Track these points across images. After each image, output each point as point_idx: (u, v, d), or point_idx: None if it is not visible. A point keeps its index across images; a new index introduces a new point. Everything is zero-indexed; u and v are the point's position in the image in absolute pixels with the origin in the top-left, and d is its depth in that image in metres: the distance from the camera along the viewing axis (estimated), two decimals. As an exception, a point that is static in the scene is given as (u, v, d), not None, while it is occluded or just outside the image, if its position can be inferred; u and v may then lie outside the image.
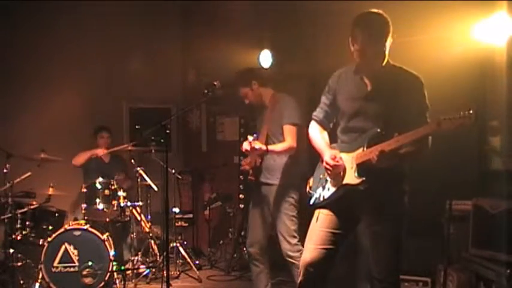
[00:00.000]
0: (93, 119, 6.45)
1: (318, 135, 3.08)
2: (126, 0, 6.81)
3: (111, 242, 5.01)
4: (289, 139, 3.94)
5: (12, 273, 4.88)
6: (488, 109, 4.49)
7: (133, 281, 5.31)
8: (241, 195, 5.17)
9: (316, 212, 2.97)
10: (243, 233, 5.93)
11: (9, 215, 4.99)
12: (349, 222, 2.91)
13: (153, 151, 5.88)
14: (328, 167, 2.84)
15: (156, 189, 5.81)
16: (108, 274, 4.79)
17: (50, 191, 5.34)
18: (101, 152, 5.77)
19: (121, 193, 5.31)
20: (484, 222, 3.87)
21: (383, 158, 2.60)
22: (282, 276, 4.71)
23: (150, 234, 5.81)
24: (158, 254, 5.85)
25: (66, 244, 4.81)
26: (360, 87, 2.85)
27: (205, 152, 7.51)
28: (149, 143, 5.94)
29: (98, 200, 5.17)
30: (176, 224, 6.21)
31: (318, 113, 3.12)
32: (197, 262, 6.08)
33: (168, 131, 3.81)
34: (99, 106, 6.77)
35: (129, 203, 5.45)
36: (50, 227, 5.21)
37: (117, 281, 4.97)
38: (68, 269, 4.78)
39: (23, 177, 5.12)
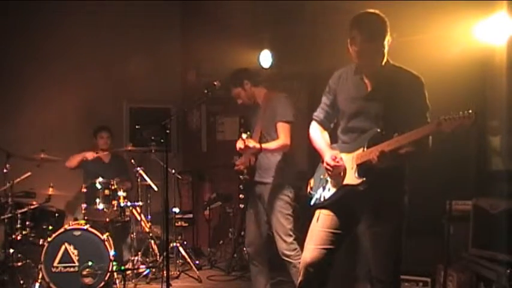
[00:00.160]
0: (93, 119, 6.46)
1: (318, 135, 3.08)
2: (126, 0, 6.82)
3: (111, 242, 5.01)
4: (283, 136, 3.94)
5: (12, 273, 4.88)
6: (488, 109, 4.49)
7: (133, 281, 5.30)
8: (241, 195, 5.17)
9: (317, 212, 2.97)
10: (243, 233, 5.92)
11: (9, 215, 5.00)
12: (350, 222, 2.91)
13: (153, 151, 5.88)
14: (328, 167, 2.84)
15: (156, 189, 5.81)
16: (108, 274, 4.79)
17: (50, 191, 5.34)
18: (90, 155, 5.71)
19: (121, 193, 5.31)
20: (484, 222, 3.87)
21: (383, 158, 2.60)
22: (281, 276, 4.71)
23: (150, 234, 5.81)
24: (158, 254, 5.85)
25: (66, 244, 4.81)
26: (360, 87, 2.85)
27: (205, 152, 7.52)
28: (149, 143, 5.94)
29: (98, 200, 5.17)
30: (176, 224, 6.21)
31: (319, 113, 3.12)
32: (197, 262, 6.08)
33: (168, 131, 3.81)
34: (99, 106, 6.77)
35: (129, 203, 5.45)
36: (50, 227, 5.21)
37: (117, 281, 4.96)
38: (68, 269, 4.78)
39: (23, 177, 5.13)
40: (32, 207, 5.17)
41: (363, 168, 2.72)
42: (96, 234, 4.85)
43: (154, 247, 5.90)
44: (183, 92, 7.59)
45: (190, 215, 6.73)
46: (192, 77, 7.51)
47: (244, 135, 3.80)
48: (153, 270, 5.56)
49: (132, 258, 5.53)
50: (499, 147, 4.57)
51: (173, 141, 7.42)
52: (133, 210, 5.64)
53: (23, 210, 5.09)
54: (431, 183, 4.16)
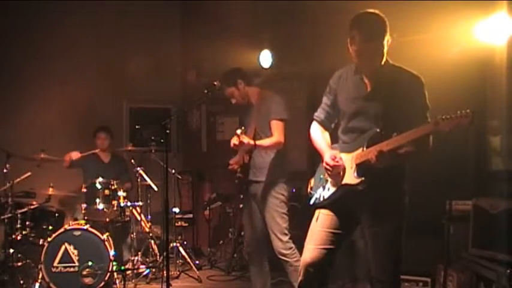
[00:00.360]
0: (93, 119, 6.46)
1: (319, 135, 3.08)
2: (126, 0, 6.82)
3: (111, 242, 5.01)
4: (277, 134, 3.95)
5: (12, 273, 4.89)
6: (488, 109, 4.49)
7: (133, 281, 5.30)
8: (241, 195, 5.18)
9: (317, 212, 2.97)
10: (243, 233, 5.92)
11: (9, 215, 5.00)
12: (350, 222, 2.91)
13: (153, 151, 5.88)
14: (328, 167, 2.84)
15: (156, 189, 5.81)
16: (108, 274, 4.79)
17: (50, 191, 5.34)
18: (74, 155, 5.64)
19: (121, 193, 5.31)
20: (484, 222, 3.87)
21: (382, 158, 2.60)
22: (282, 276, 4.70)
23: (150, 234, 5.81)
24: (158, 254, 5.85)
25: (66, 244, 4.81)
26: (360, 87, 2.85)
27: (205, 152, 7.52)
28: (149, 143, 5.94)
29: (98, 200, 5.16)
30: (176, 224, 6.21)
31: (319, 113, 3.12)
32: (197, 262, 6.08)
33: (168, 131, 3.81)
34: (99, 106, 6.78)
35: (129, 203, 5.45)
36: (50, 227, 5.22)
37: (117, 281, 4.96)
38: (68, 269, 4.78)
39: (23, 177, 5.13)
40: (32, 207, 5.17)
41: (362, 168, 2.72)
42: (96, 234, 4.85)
43: (154, 247, 5.90)
44: (183, 92, 7.59)
45: (190, 215, 6.73)
46: (192, 77, 7.52)
47: (238, 131, 3.80)
48: (153, 270, 5.56)
49: (132, 258, 5.53)
50: (499, 147, 4.57)
51: (173, 141, 7.43)
52: (133, 210, 5.64)
53: (23, 210, 5.10)
54: (431, 183, 4.16)
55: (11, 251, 4.92)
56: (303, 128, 3.65)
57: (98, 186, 5.20)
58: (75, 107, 6.65)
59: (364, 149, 2.72)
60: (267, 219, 4.03)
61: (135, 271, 5.38)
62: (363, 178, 2.70)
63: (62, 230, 4.89)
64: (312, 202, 3.03)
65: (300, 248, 3.02)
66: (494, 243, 3.72)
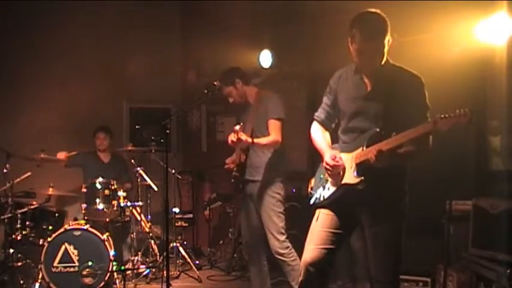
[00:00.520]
0: (93, 119, 6.45)
1: (319, 135, 3.08)
2: (127, 0, 6.82)
3: (111, 242, 5.01)
4: (274, 133, 3.96)
5: (12, 273, 4.89)
6: (488, 109, 4.49)
7: (133, 281, 5.31)
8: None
9: (317, 211, 2.97)
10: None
11: (9, 215, 5.00)
12: (350, 222, 2.91)
13: (153, 151, 5.88)
14: (328, 167, 2.84)
15: (156, 189, 5.81)
16: (108, 274, 4.79)
17: (50, 191, 5.34)
18: (60, 155, 5.62)
19: (121, 193, 5.31)
20: (484, 222, 3.87)
21: (381, 158, 2.60)
22: (282, 276, 4.70)
23: (150, 234, 5.81)
24: (158, 254, 5.85)
25: (66, 244, 4.81)
26: (360, 87, 2.85)
27: (205, 152, 7.52)
28: (149, 143, 5.94)
29: (98, 200, 5.16)
30: (176, 224, 6.21)
31: (320, 113, 3.12)
32: (197, 262, 6.08)
33: (168, 131, 3.81)
34: (99, 106, 6.77)
35: (129, 203, 5.45)
36: (50, 227, 5.22)
37: (117, 281, 4.96)
38: (68, 269, 4.78)
39: (23, 177, 5.13)
40: (32, 207, 5.17)
41: (361, 168, 2.72)
42: (96, 234, 4.85)
43: (154, 247, 5.90)
44: (183, 92, 7.59)
45: (190, 215, 6.73)
46: (192, 77, 7.52)
47: (237, 127, 3.79)
48: (153, 270, 5.56)
49: (132, 258, 5.53)
50: (499, 147, 4.57)
51: (173, 141, 7.42)
52: (133, 210, 5.64)
53: (23, 210, 5.10)
54: (431, 183, 4.16)
55: (11, 251, 4.92)
56: (303, 128, 3.65)
57: (98, 186, 5.20)
58: (75, 107, 6.65)
59: (364, 148, 2.72)
60: (264, 219, 4.03)
61: (135, 271, 5.38)
62: (363, 178, 2.71)
63: (62, 230, 4.90)
64: (312, 202, 3.03)
65: (301, 248, 3.01)
66: (494, 243, 3.72)
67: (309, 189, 3.09)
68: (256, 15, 6.41)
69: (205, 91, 3.98)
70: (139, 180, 5.75)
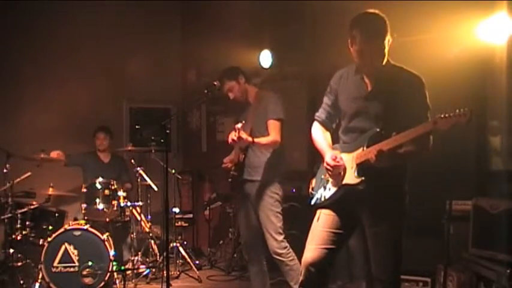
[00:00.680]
0: (93, 119, 6.45)
1: (320, 136, 3.08)
2: (127, 0, 6.82)
3: (111, 242, 5.01)
4: (274, 134, 3.96)
5: (12, 273, 4.89)
6: (488, 109, 4.49)
7: (133, 281, 5.31)
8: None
9: (318, 212, 2.97)
10: (243, 233, 5.93)
11: (9, 215, 5.00)
12: (350, 222, 2.91)
13: (153, 151, 5.88)
14: (328, 167, 2.84)
15: (156, 189, 5.81)
16: (108, 274, 4.79)
17: (50, 191, 5.34)
18: (53, 154, 5.60)
19: (121, 193, 5.31)
20: (484, 222, 3.87)
21: (381, 158, 2.60)
22: (282, 276, 4.71)
23: (150, 234, 5.81)
24: (158, 254, 5.85)
25: (66, 244, 4.81)
26: (360, 87, 2.85)
27: (205, 152, 7.51)
28: (149, 143, 5.94)
29: (98, 200, 5.16)
30: (176, 224, 6.21)
31: (320, 113, 3.12)
32: (197, 262, 6.08)
33: (168, 131, 3.81)
34: (99, 106, 6.77)
35: (129, 203, 5.45)
36: (50, 227, 5.21)
37: (117, 281, 4.96)
38: (68, 269, 4.78)
39: (23, 177, 5.13)
40: (32, 207, 5.17)
41: (362, 168, 2.72)
42: (96, 234, 4.85)
43: (154, 247, 5.90)
44: (183, 92, 7.59)
45: (190, 215, 6.73)
46: (192, 77, 7.52)
47: (239, 125, 3.78)
48: (153, 270, 5.56)
49: (132, 258, 5.53)
50: (499, 147, 4.57)
51: (173, 141, 7.42)
52: (133, 210, 5.64)
53: (23, 210, 5.10)
54: (431, 183, 4.16)
55: (11, 251, 4.92)
56: (303, 128, 3.66)
57: (98, 186, 5.20)
58: (75, 107, 6.65)
59: (365, 148, 2.72)
60: (262, 219, 4.03)
61: (135, 271, 5.38)
62: (363, 178, 2.71)
63: (62, 230, 4.90)
64: (313, 202, 3.03)
65: (301, 248, 3.01)
66: (494, 243, 3.71)
67: (310, 190, 3.09)
68: (256, 15, 6.41)
69: (205, 91, 3.98)
70: (139, 180, 5.75)
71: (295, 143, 4.39)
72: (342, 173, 2.81)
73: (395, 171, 2.76)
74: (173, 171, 6.18)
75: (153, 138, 6.01)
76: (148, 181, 5.76)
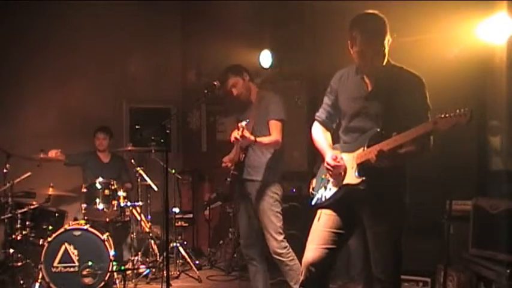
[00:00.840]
0: (93, 119, 6.45)
1: (320, 136, 3.08)
2: (127, 0, 6.82)
3: (111, 242, 5.01)
4: (275, 134, 3.96)
5: (12, 273, 4.89)
6: (488, 109, 4.49)
7: (133, 281, 5.30)
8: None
9: (318, 212, 2.97)
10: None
11: (9, 215, 5.00)
12: (351, 222, 2.91)
13: (153, 151, 5.88)
14: (329, 167, 2.84)
15: (156, 189, 5.81)
16: (108, 274, 4.79)
17: (50, 191, 5.34)
18: (51, 153, 5.61)
19: (121, 193, 5.31)
20: (484, 222, 3.87)
21: (382, 158, 2.60)
22: (282, 276, 4.71)
23: (150, 234, 5.81)
24: (158, 254, 5.85)
25: (66, 244, 4.81)
26: (361, 87, 2.85)
27: (205, 152, 7.51)
28: (149, 143, 5.94)
29: (98, 200, 5.16)
30: (176, 224, 6.20)
31: (321, 113, 3.13)
32: (197, 262, 6.08)
33: (168, 131, 3.81)
34: (99, 106, 6.78)
35: (129, 203, 5.45)
36: (50, 227, 5.21)
37: (117, 281, 4.96)
38: (68, 269, 4.78)
39: (23, 177, 5.13)
40: (32, 207, 5.17)
41: (362, 168, 2.73)
42: (96, 234, 4.85)
43: (154, 247, 5.90)
44: (183, 92, 7.59)
45: (190, 215, 6.72)
46: (192, 77, 7.52)
47: (243, 123, 3.76)
48: (153, 270, 5.56)
49: (132, 258, 5.53)
50: (499, 147, 4.57)
51: (173, 141, 7.42)
52: (133, 210, 5.64)
53: (23, 210, 5.10)
54: (431, 183, 4.16)
55: (11, 251, 4.92)
56: (303, 128, 3.66)
57: (98, 186, 5.20)
58: (75, 107, 6.65)
59: (365, 148, 2.73)
60: (262, 219, 4.03)
61: (135, 271, 5.38)
62: (364, 178, 2.71)
63: (62, 230, 4.90)
64: (313, 202, 3.03)
65: (301, 248, 3.01)
66: (494, 243, 3.71)
67: (311, 190, 3.09)
68: (256, 15, 6.42)
69: (205, 91, 3.98)
70: (139, 180, 5.75)
71: (295, 143, 4.39)
72: (343, 173, 2.81)
73: (395, 171, 2.76)
74: (173, 171, 6.18)
75: (153, 138, 6.00)
76: (148, 181, 5.76)
